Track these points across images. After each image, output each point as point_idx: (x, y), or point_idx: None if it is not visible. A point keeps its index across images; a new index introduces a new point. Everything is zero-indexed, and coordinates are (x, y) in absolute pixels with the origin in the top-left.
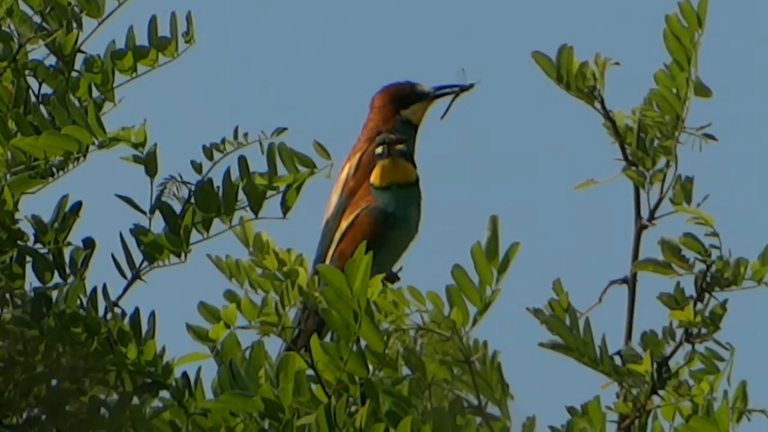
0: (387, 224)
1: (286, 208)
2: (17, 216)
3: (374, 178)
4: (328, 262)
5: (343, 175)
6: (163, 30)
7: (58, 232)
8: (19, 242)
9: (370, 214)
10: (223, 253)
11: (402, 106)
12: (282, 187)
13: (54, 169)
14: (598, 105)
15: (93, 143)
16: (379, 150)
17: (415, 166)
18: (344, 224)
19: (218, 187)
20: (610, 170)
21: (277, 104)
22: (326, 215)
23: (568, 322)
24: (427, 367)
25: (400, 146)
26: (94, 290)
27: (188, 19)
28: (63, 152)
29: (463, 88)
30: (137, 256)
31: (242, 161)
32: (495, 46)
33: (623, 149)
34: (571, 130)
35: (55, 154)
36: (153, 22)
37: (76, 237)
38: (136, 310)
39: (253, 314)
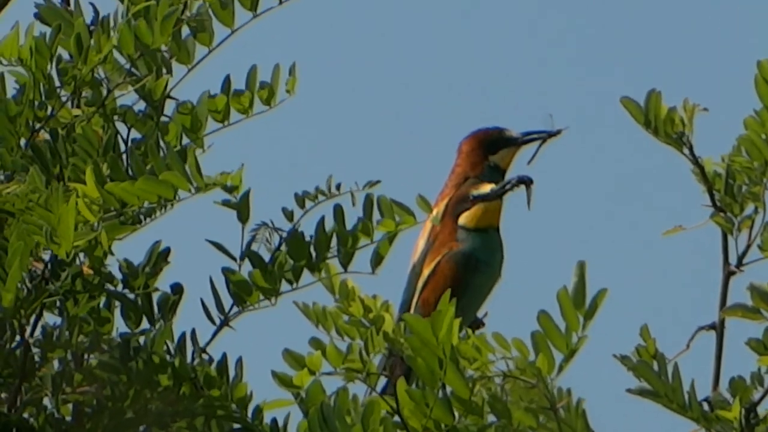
0: (469, 269)
1: (378, 260)
2: (106, 262)
3: (468, 219)
4: (412, 310)
5: (429, 222)
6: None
7: (148, 276)
8: (108, 286)
9: (451, 260)
10: (308, 300)
11: (490, 152)
12: (377, 236)
13: (142, 216)
14: (686, 151)
15: (190, 190)
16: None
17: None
18: (426, 272)
19: (310, 236)
20: (699, 216)
21: (366, 153)
22: (413, 260)
23: (656, 368)
24: (513, 414)
25: (487, 187)
26: (183, 335)
27: (292, 70)
28: (156, 198)
29: (551, 134)
30: (226, 302)
31: (338, 210)
32: (584, 90)
33: (711, 195)
34: (659, 175)
35: (149, 200)
36: (253, 69)
37: (164, 283)
38: (224, 356)
39: (338, 360)
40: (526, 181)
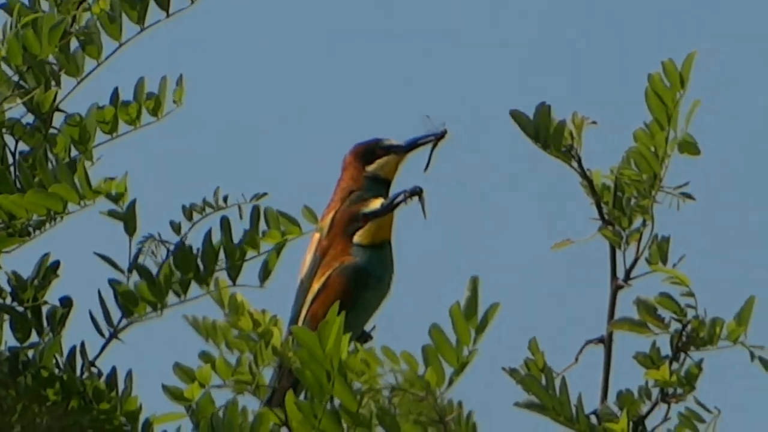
0: (360, 284)
1: (266, 273)
2: None
3: (363, 236)
4: (300, 323)
5: (317, 235)
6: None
7: (37, 289)
8: None
9: (342, 274)
10: (199, 313)
11: (368, 162)
12: (264, 247)
13: (31, 229)
14: (575, 164)
15: (78, 203)
16: (374, 206)
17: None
18: (316, 286)
19: (197, 249)
20: (588, 229)
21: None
22: (300, 274)
23: (543, 381)
24: (402, 426)
25: (376, 203)
26: (72, 349)
27: (179, 81)
28: (45, 211)
29: (438, 137)
30: (115, 315)
31: (225, 222)
32: (471, 103)
33: (599, 208)
34: (548, 189)
35: (38, 213)
36: (140, 81)
37: (53, 296)
38: (113, 369)
39: (227, 373)
40: (417, 192)
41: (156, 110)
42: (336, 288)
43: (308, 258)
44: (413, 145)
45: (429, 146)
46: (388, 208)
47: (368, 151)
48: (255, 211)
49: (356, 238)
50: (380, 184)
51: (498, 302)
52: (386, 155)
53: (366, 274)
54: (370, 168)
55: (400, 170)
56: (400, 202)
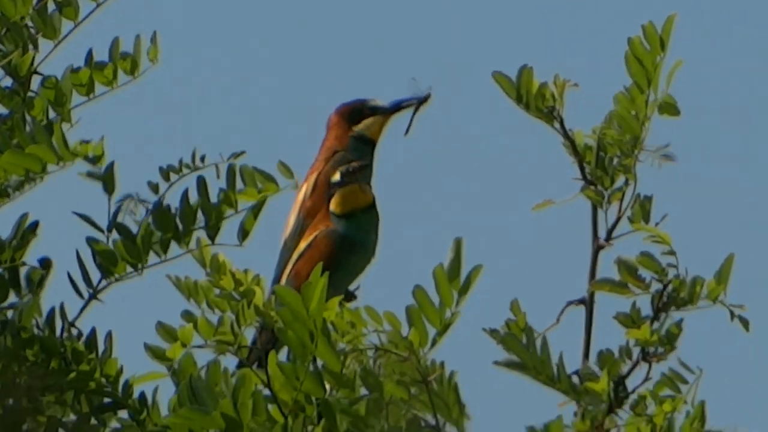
0: (345, 248)
1: (244, 233)
2: None
3: (334, 206)
4: (284, 281)
5: (301, 195)
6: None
7: (15, 250)
8: None
9: (328, 237)
10: (180, 273)
11: (354, 123)
12: (243, 204)
13: (10, 190)
14: (557, 125)
15: (56, 163)
16: (336, 177)
17: (370, 185)
18: (302, 245)
19: (176, 209)
20: (570, 190)
21: (235, 127)
22: (284, 235)
23: (524, 341)
24: (385, 387)
25: (354, 164)
26: (52, 310)
27: (153, 39)
28: (24, 171)
29: (421, 101)
30: (94, 276)
31: (201, 182)
32: (455, 64)
33: (582, 168)
34: (530, 150)
35: (17, 174)
36: (115, 42)
37: (31, 257)
38: (93, 330)
39: (209, 333)
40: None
41: (132, 70)
42: (321, 249)
43: (292, 218)
44: (398, 106)
45: (411, 109)
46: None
47: (354, 112)
48: (231, 169)
49: (330, 207)
50: (365, 145)
51: (481, 264)
52: (372, 116)
53: (350, 240)
54: (357, 128)
55: (384, 131)
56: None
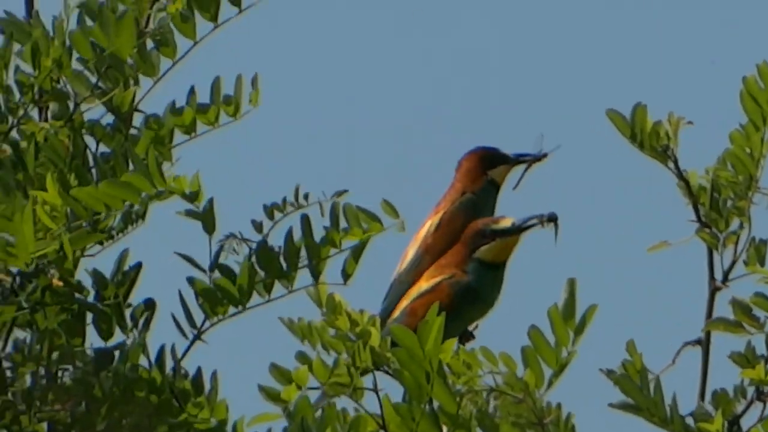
0: (467, 300)
1: (347, 273)
2: (76, 273)
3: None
4: (396, 314)
5: (423, 231)
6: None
7: (118, 286)
8: (78, 297)
9: (452, 287)
10: (282, 312)
11: (489, 167)
12: (347, 243)
13: (114, 232)
14: (671, 164)
15: (153, 192)
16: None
17: None
18: (424, 285)
19: (280, 247)
20: (684, 231)
21: (340, 167)
22: (399, 268)
23: (639, 382)
24: (501, 428)
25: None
26: (161, 349)
27: (254, 82)
28: (123, 204)
29: (537, 158)
30: (198, 316)
31: (305, 220)
32: (569, 103)
33: (696, 210)
34: (645, 189)
35: (114, 206)
36: (216, 81)
37: (136, 297)
38: (198, 370)
39: (324, 375)
40: (554, 218)
41: (234, 112)
42: (443, 295)
43: (410, 252)
44: (521, 159)
45: (525, 165)
46: (520, 230)
47: (491, 157)
48: (334, 208)
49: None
50: (494, 190)
51: (596, 304)
52: (504, 163)
53: (476, 293)
54: (492, 172)
55: (507, 180)
56: (533, 225)
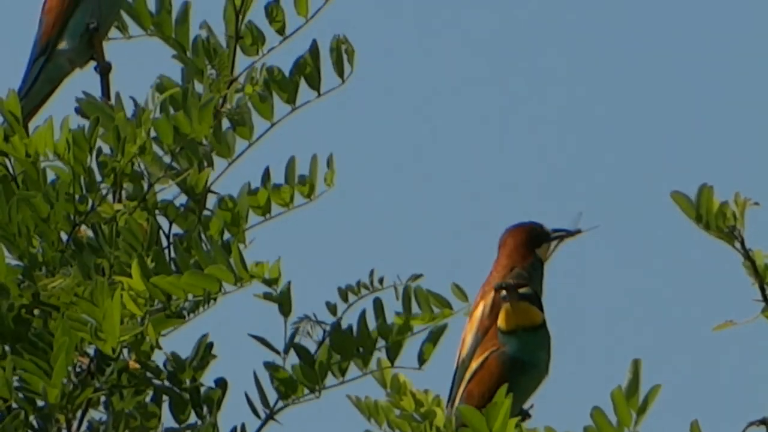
0: (515, 369)
1: (423, 358)
2: (152, 356)
3: (500, 322)
4: (457, 401)
5: (478, 313)
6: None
7: (196, 370)
8: (155, 381)
9: (498, 358)
10: (357, 392)
11: (536, 245)
12: (417, 327)
13: (185, 312)
14: (737, 245)
15: (234, 284)
16: (502, 293)
17: (541, 307)
18: (474, 365)
19: (354, 330)
20: (750, 310)
21: (409, 246)
22: (461, 354)
23: None
24: None
25: (523, 289)
26: (233, 430)
27: (329, 161)
28: (202, 291)
29: (570, 233)
30: (271, 396)
31: (377, 304)
32: (633, 185)
33: (762, 289)
34: (710, 269)
35: (195, 294)
36: (291, 162)
37: (208, 377)
38: None
39: None
40: (572, 233)
41: (309, 193)
42: (492, 371)
43: (469, 338)
44: (557, 235)
45: (557, 239)
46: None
47: (536, 234)
48: (406, 292)
49: (498, 323)
50: (540, 267)
51: (659, 384)
52: (547, 240)
53: (519, 361)
54: (538, 251)
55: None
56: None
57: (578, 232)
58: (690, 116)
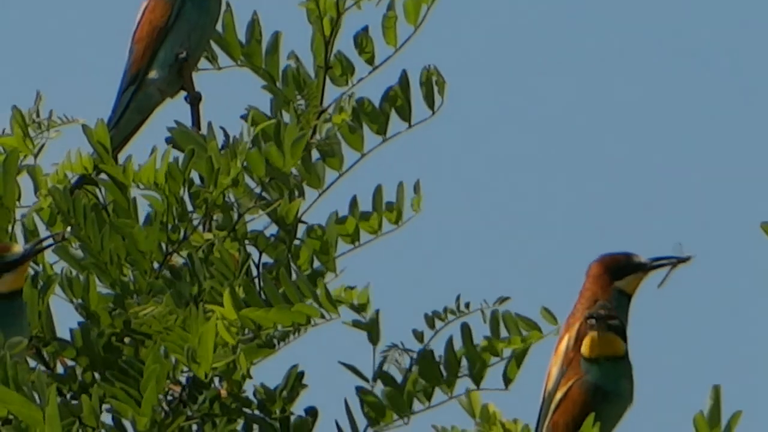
0: (598, 398)
1: (507, 380)
2: (244, 385)
3: (584, 349)
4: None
5: (563, 346)
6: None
7: (286, 401)
8: (246, 410)
9: (581, 387)
10: (444, 420)
11: (617, 277)
12: (506, 351)
13: (275, 341)
14: None
15: (320, 317)
16: (591, 321)
17: (625, 338)
18: (558, 395)
19: (440, 356)
20: None
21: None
22: (546, 386)
23: None
24: None
25: (612, 321)
26: None
27: (416, 188)
28: (290, 323)
29: (681, 260)
30: (360, 423)
31: (465, 329)
32: (718, 216)
33: None
34: None
35: (283, 324)
36: (378, 189)
37: (297, 405)
38: None
39: None
40: (682, 260)
41: (396, 219)
42: (575, 400)
43: (554, 370)
44: (657, 264)
45: (669, 266)
46: (652, 268)
47: (621, 267)
48: (494, 317)
49: (582, 350)
50: (624, 299)
51: (740, 410)
52: (633, 272)
53: (602, 390)
54: (619, 283)
55: (641, 287)
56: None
57: (687, 258)
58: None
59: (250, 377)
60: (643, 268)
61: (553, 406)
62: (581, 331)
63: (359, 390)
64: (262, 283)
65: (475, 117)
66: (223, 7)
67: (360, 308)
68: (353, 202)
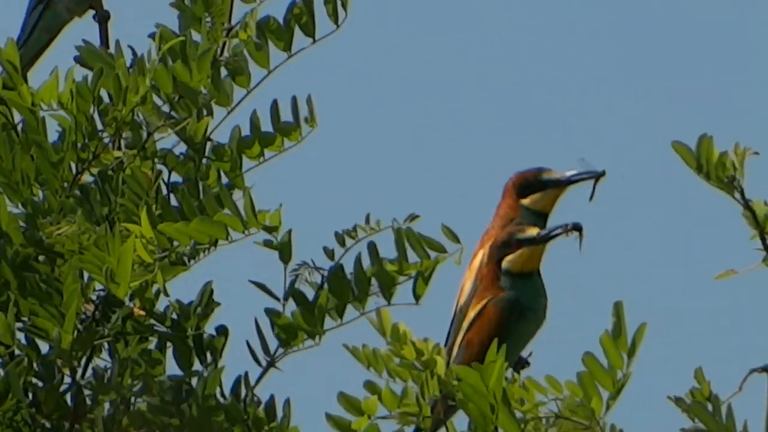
0: (514, 315)
1: (417, 295)
2: (157, 303)
3: (512, 264)
4: (455, 350)
5: (477, 262)
6: (286, 114)
7: (200, 318)
8: (159, 328)
9: (497, 305)
10: (355, 339)
11: (522, 195)
12: (413, 273)
13: (185, 258)
14: (737, 195)
15: (242, 231)
16: (529, 234)
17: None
18: (472, 313)
19: (350, 273)
20: (751, 259)
21: (406, 188)
22: (459, 301)
23: (710, 409)
24: None
25: (519, 235)
26: (239, 378)
27: (308, 102)
28: (208, 239)
29: (598, 175)
30: (272, 343)
31: (372, 248)
32: (633, 134)
33: (763, 239)
34: (710, 219)
35: (201, 241)
36: (275, 107)
37: (208, 326)
38: (271, 398)
39: (393, 404)
40: (578, 228)
41: (294, 136)
42: (491, 318)
43: (467, 285)
44: (573, 180)
45: (590, 181)
46: (545, 239)
47: (528, 183)
48: (399, 235)
49: (505, 264)
50: (537, 216)
51: (645, 323)
52: (542, 190)
53: (520, 306)
54: (527, 201)
55: (558, 202)
56: (558, 234)
57: (603, 173)
58: (691, 67)
59: (167, 294)
60: (556, 185)
61: (466, 324)
62: (492, 249)
63: (268, 311)
64: (175, 201)
65: (380, 30)
66: None
67: (272, 229)
68: (254, 120)
